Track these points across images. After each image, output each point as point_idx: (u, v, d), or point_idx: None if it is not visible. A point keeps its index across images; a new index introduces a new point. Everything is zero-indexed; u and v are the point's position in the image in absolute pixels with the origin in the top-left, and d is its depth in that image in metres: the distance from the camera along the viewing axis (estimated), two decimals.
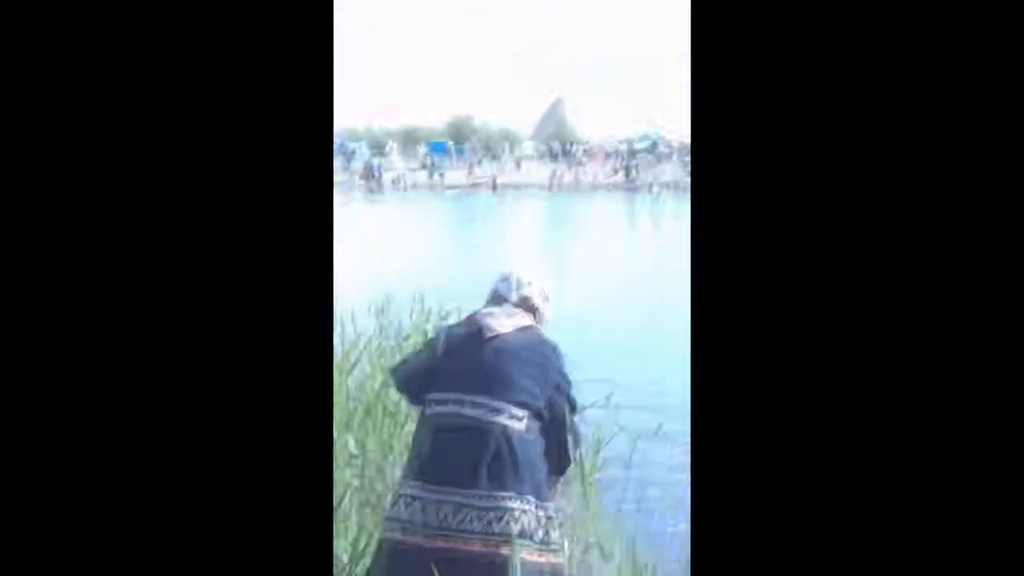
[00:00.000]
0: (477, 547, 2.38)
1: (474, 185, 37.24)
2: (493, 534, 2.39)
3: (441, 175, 38.69)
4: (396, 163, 42.38)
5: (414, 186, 37.15)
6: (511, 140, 48.48)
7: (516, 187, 36.07)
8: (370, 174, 37.75)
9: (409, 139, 48.75)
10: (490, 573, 2.37)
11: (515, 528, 2.42)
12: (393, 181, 37.69)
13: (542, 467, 2.55)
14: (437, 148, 44.23)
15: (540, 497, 2.51)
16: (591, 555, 2.70)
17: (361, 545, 2.77)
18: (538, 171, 39.73)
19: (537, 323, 2.72)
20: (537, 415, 2.56)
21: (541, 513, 2.49)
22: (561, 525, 2.69)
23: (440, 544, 2.39)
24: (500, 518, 2.41)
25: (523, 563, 2.38)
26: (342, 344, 4.11)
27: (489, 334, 2.58)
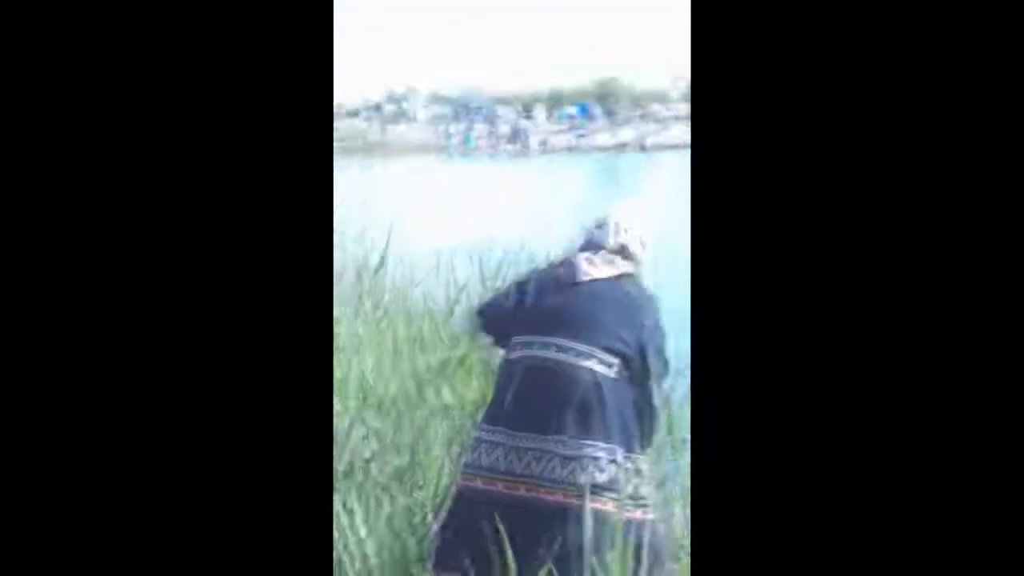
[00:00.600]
0: (559, 497, 2.20)
1: (621, 146, 36.91)
2: (576, 484, 2.20)
3: (581, 136, 38.55)
4: (542, 126, 42.44)
5: (561, 149, 37.08)
6: (661, 99, 47.67)
7: (663, 148, 35.43)
8: (517, 137, 38.09)
9: (555, 101, 48.72)
10: (570, 524, 2.18)
11: (601, 478, 2.22)
12: (541, 144, 37.82)
13: (633, 417, 2.33)
14: (583, 110, 44.13)
15: (629, 448, 2.29)
16: (676, 515, 2.45)
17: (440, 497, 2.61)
18: (687, 132, 38.82)
19: (635, 272, 2.52)
20: (628, 364, 2.34)
21: (630, 466, 2.28)
22: (657, 483, 2.45)
23: (522, 492, 2.23)
24: (585, 467, 2.22)
25: (606, 516, 2.17)
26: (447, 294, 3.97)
27: (583, 277, 2.40)
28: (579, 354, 2.28)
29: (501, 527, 2.08)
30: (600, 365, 2.28)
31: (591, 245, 2.51)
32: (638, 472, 2.30)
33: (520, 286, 2.55)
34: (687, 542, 2.42)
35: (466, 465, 2.35)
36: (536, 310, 2.40)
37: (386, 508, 2.50)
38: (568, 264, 2.46)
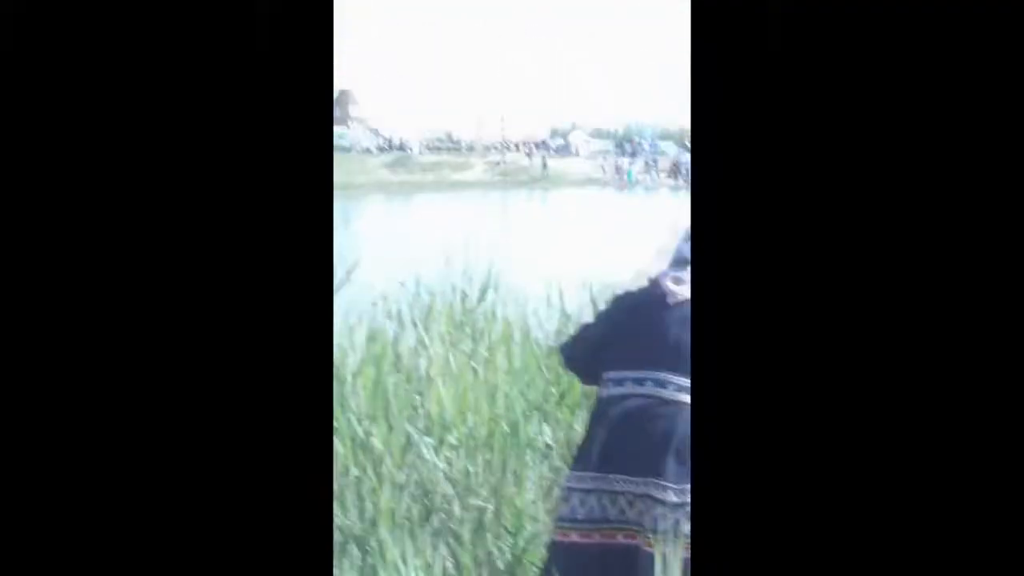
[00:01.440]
0: (669, 549, 1.92)
1: None
2: (683, 535, 1.93)
3: None
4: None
5: None
6: None
7: None
8: (677, 171, 37.77)
9: None
10: None
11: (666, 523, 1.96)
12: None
13: None
14: None
15: None
16: None
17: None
18: None
19: None
20: None
21: None
22: None
23: (620, 540, 2.00)
24: (689, 516, 1.94)
25: None
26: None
27: (672, 300, 2.15)
28: (678, 388, 2.03)
29: None
30: None
31: (680, 261, 2.24)
32: None
33: (606, 316, 2.32)
34: None
35: (558, 520, 2.12)
36: (625, 342, 2.16)
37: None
38: (655, 286, 2.21)
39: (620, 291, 2.34)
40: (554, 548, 2.10)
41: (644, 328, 2.15)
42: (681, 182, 36.85)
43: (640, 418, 2.03)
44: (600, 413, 2.13)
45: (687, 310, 2.08)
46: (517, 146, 48.39)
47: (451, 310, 3.44)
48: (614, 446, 2.05)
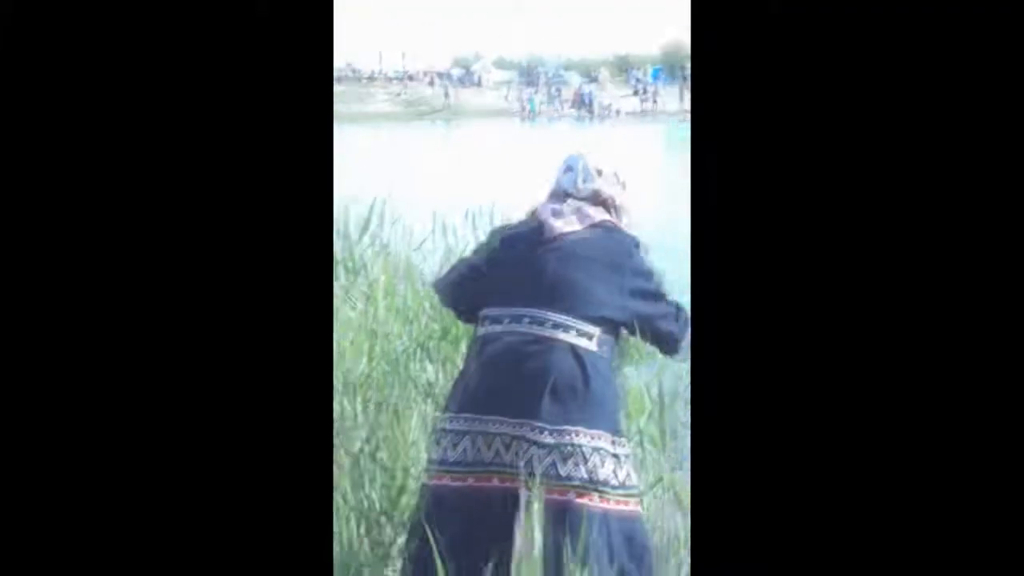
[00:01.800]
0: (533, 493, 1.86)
1: (686, 112, 36.23)
2: (558, 477, 1.89)
3: (655, 101, 37.85)
4: (609, 90, 41.80)
5: (628, 113, 36.51)
6: None
7: None
8: (581, 102, 37.66)
9: (622, 67, 48.10)
10: (555, 523, 1.85)
11: (583, 471, 1.91)
12: (605, 107, 37.31)
13: (620, 394, 2.05)
14: (656, 74, 43.41)
15: (616, 431, 1.98)
16: (664, 505, 2.12)
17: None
18: None
19: (614, 218, 2.17)
20: (613, 330, 2.03)
21: (619, 451, 1.96)
22: (643, 464, 2.14)
23: (496, 484, 1.92)
24: (566, 458, 1.90)
25: (592, 512, 1.88)
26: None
27: (551, 234, 2.06)
28: (556, 326, 1.96)
29: None
30: (580, 337, 1.96)
31: (558, 193, 2.17)
32: (627, 457, 1.99)
33: (483, 250, 2.23)
34: (685, 533, 2.11)
35: (430, 462, 2.05)
36: (502, 277, 2.08)
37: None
38: (534, 220, 2.13)
39: (498, 224, 2.27)
40: (426, 491, 2.04)
41: (521, 263, 2.07)
42: (585, 112, 36.84)
43: (515, 356, 1.96)
44: (476, 351, 2.06)
45: (567, 245, 2.05)
46: (419, 76, 47.71)
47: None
48: (488, 385, 1.98)
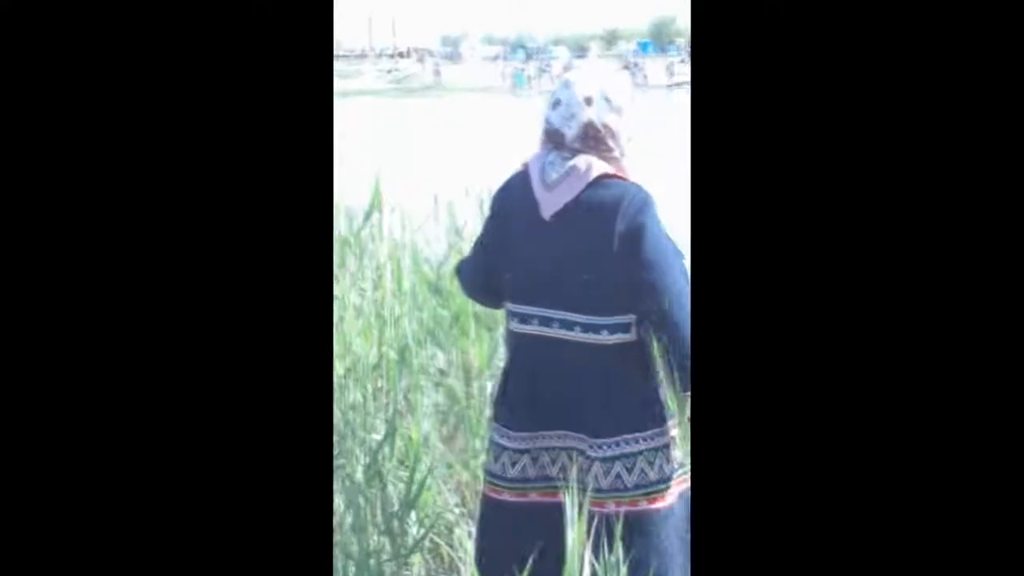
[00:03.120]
0: (610, 507, 1.82)
1: (677, 84, 36.14)
2: (625, 490, 1.83)
3: (645, 76, 37.70)
4: (597, 64, 41.63)
5: None
6: None
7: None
8: None
9: (610, 41, 47.90)
10: (636, 531, 1.82)
11: (651, 475, 1.85)
12: None
13: (662, 377, 1.89)
14: (644, 47, 43.29)
15: (665, 419, 1.87)
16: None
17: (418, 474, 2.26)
18: None
19: (616, 159, 1.87)
20: (647, 311, 1.81)
21: (675, 432, 1.88)
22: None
23: (562, 498, 1.79)
24: (630, 468, 1.83)
25: (665, 512, 1.86)
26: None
27: (549, 212, 1.84)
28: (585, 329, 1.82)
29: None
30: (617, 334, 1.82)
31: (551, 133, 1.89)
32: (673, 439, 1.89)
33: (487, 228, 2.02)
34: None
35: (490, 475, 1.96)
36: (511, 267, 1.91)
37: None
38: (529, 196, 1.88)
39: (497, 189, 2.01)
40: (486, 503, 1.98)
41: (525, 248, 1.88)
42: None
43: (554, 365, 1.86)
44: (512, 351, 1.96)
45: (570, 219, 1.82)
46: (408, 53, 47.39)
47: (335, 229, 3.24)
48: (532, 396, 1.89)
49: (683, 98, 28.89)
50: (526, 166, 1.93)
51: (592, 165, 1.83)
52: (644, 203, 1.81)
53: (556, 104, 1.89)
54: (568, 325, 1.84)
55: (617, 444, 1.83)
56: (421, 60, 44.98)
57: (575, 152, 1.86)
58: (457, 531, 2.53)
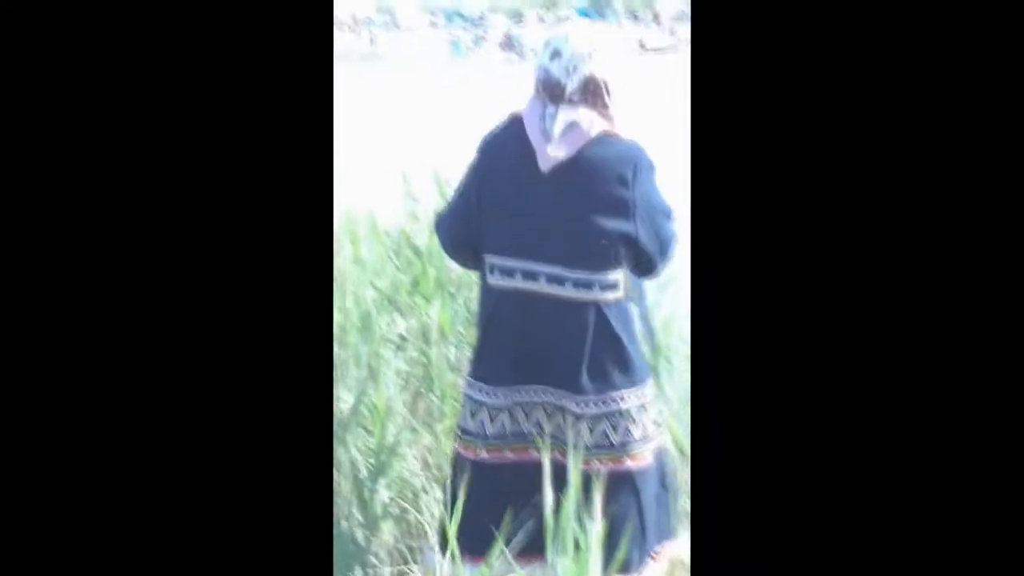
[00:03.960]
0: (594, 465, 1.81)
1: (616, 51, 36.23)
2: (611, 447, 1.83)
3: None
4: (537, 32, 41.45)
5: None
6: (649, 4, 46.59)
7: (663, 50, 34.59)
8: (509, 44, 37.30)
9: (548, 7, 47.73)
10: (619, 488, 1.83)
11: (635, 433, 1.85)
12: (532, 49, 37.04)
13: (647, 332, 1.95)
14: (582, 12, 43.19)
15: (647, 378, 1.90)
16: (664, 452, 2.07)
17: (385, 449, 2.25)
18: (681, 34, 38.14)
19: (611, 117, 1.86)
20: (636, 265, 1.85)
21: (651, 393, 1.91)
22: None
23: (539, 456, 1.80)
24: (615, 426, 1.84)
25: (647, 467, 1.89)
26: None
27: (547, 165, 1.81)
28: (577, 285, 1.81)
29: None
30: (606, 291, 1.82)
31: (549, 84, 1.85)
32: (653, 399, 1.92)
33: (471, 177, 1.93)
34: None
35: (465, 432, 1.93)
36: (500, 218, 1.84)
37: None
38: (526, 145, 1.83)
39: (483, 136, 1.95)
40: (461, 462, 1.94)
41: (519, 200, 1.83)
42: (514, 55, 36.50)
43: (543, 321, 1.83)
44: (491, 305, 1.90)
45: (569, 172, 1.80)
46: (342, 23, 46.77)
47: None
48: (519, 352, 1.87)
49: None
50: (517, 117, 1.87)
51: (594, 121, 1.82)
52: (650, 166, 1.83)
53: (556, 55, 1.84)
54: (558, 280, 1.81)
55: (604, 402, 1.84)
56: (357, 32, 44.41)
57: (574, 105, 1.83)
58: (423, 496, 2.52)
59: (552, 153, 1.81)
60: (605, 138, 1.82)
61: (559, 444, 1.85)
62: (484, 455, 1.91)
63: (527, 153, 1.82)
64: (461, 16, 47.60)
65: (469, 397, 1.94)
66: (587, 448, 1.82)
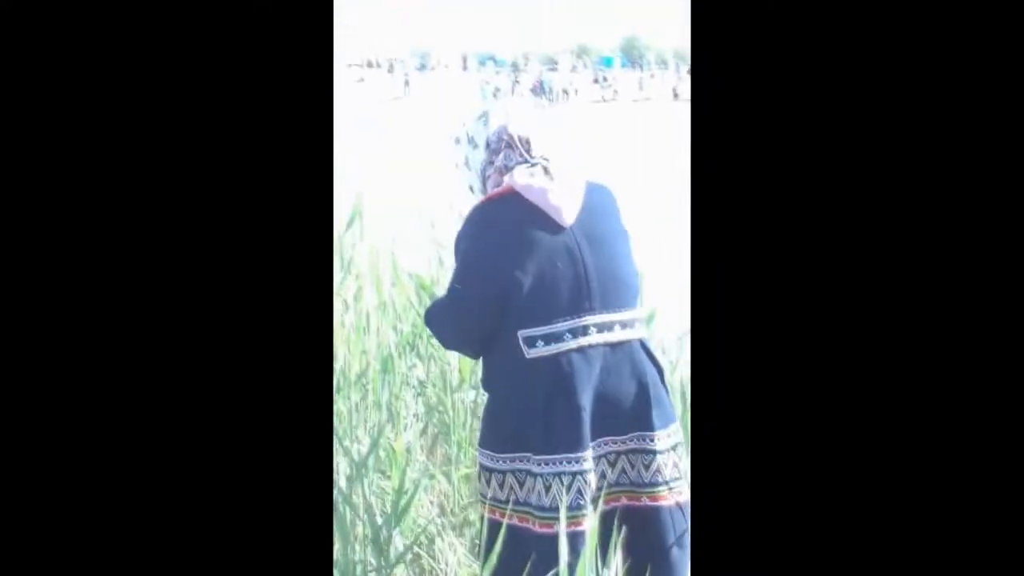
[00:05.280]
0: (645, 502, 1.81)
1: (648, 99, 36.40)
2: (656, 484, 1.81)
3: (615, 91, 37.94)
4: (567, 78, 41.83)
5: (587, 100, 36.57)
6: (682, 56, 46.95)
7: None
8: (540, 89, 37.64)
9: (581, 56, 48.24)
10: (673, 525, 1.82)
11: (666, 472, 1.83)
12: (564, 91, 37.36)
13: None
14: (608, 62, 43.58)
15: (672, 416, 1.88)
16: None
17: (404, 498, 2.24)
18: None
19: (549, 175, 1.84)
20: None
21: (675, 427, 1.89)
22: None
23: (624, 502, 1.81)
24: (669, 462, 1.83)
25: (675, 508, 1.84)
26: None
27: (572, 217, 1.79)
28: (624, 326, 1.80)
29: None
30: (641, 327, 1.86)
31: (518, 145, 1.87)
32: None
33: (482, 263, 1.84)
34: None
35: (516, 505, 1.80)
36: (539, 286, 1.76)
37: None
38: (533, 206, 1.78)
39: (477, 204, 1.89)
40: (525, 537, 1.78)
41: (557, 262, 1.77)
42: (545, 101, 36.83)
43: (607, 371, 1.78)
44: (535, 379, 1.76)
45: (588, 229, 1.79)
46: (378, 64, 47.45)
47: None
48: (592, 412, 1.77)
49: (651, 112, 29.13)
50: (510, 190, 1.83)
51: (572, 170, 1.87)
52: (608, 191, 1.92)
53: (484, 118, 1.91)
54: (608, 327, 1.78)
55: (668, 435, 1.83)
56: (391, 70, 45.00)
57: (541, 158, 1.87)
58: (438, 542, 2.52)
59: (567, 203, 1.80)
60: (587, 182, 1.88)
61: (625, 489, 1.81)
62: (535, 528, 1.78)
63: (543, 212, 1.79)
64: (494, 61, 48.11)
65: (528, 472, 1.80)
66: (666, 483, 1.80)
